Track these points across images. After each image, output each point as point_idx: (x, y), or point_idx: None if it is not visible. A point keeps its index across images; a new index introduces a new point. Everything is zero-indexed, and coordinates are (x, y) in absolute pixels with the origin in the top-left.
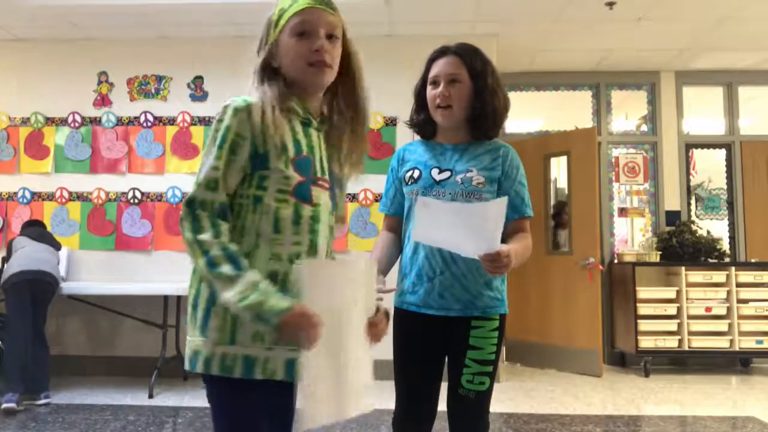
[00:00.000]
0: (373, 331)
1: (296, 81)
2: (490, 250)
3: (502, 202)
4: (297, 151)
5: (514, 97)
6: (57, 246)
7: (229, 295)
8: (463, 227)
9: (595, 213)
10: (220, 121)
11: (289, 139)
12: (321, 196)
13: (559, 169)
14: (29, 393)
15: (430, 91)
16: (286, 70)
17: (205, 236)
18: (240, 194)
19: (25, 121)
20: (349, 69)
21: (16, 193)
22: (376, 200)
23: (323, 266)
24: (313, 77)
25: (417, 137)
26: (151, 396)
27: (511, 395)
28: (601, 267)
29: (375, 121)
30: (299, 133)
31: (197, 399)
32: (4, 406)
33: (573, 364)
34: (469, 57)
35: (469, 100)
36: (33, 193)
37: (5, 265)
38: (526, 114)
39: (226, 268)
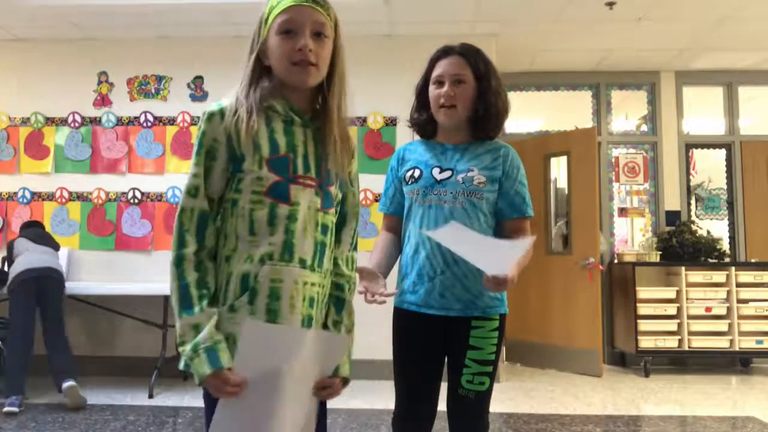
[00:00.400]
0: (323, 393)
1: (283, 80)
2: (499, 273)
3: (529, 242)
4: (272, 151)
5: (514, 97)
6: (56, 247)
7: (176, 327)
8: (481, 247)
9: (595, 213)
10: (199, 128)
11: (265, 139)
12: (301, 194)
13: (559, 169)
14: (56, 380)
15: (434, 91)
16: (274, 69)
17: (172, 258)
18: (224, 198)
19: (25, 121)
20: (335, 67)
21: (16, 193)
22: (376, 200)
23: (264, 329)
24: (297, 77)
25: (417, 137)
26: (151, 396)
27: (511, 395)
28: (600, 267)
29: (375, 121)
30: (278, 132)
31: (197, 399)
32: (6, 409)
33: (573, 364)
34: (474, 58)
35: (472, 100)
36: (33, 193)
37: (10, 267)
38: (526, 114)
39: (174, 299)
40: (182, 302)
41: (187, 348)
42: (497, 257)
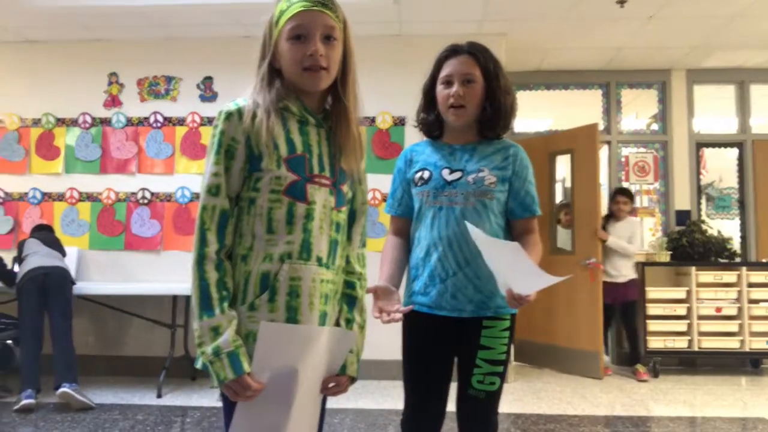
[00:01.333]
0: (330, 389)
1: (294, 84)
2: (523, 293)
3: (564, 279)
4: (290, 150)
5: (523, 96)
6: (64, 254)
7: (194, 327)
8: (517, 267)
9: (597, 211)
10: (216, 127)
11: (282, 139)
12: (317, 193)
13: (567, 168)
14: (54, 380)
15: (443, 91)
16: (285, 73)
17: (194, 256)
18: (240, 197)
19: (36, 122)
20: (346, 68)
21: (26, 194)
22: (385, 200)
23: (280, 330)
24: (308, 81)
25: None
26: (159, 395)
27: (518, 396)
28: (601, 267)
29: (383, 121)
30: (294, 132)
31: (205, 398)
32: (24, 402)
33: (575, 366)
34: (482, 57)
35: (481, 100)
36: (43, 194)
37: (19, 267)
38: (536, 113)
39: (195, 299)
40: (202, 303)
41: (208, 350)
42: (526, 278)
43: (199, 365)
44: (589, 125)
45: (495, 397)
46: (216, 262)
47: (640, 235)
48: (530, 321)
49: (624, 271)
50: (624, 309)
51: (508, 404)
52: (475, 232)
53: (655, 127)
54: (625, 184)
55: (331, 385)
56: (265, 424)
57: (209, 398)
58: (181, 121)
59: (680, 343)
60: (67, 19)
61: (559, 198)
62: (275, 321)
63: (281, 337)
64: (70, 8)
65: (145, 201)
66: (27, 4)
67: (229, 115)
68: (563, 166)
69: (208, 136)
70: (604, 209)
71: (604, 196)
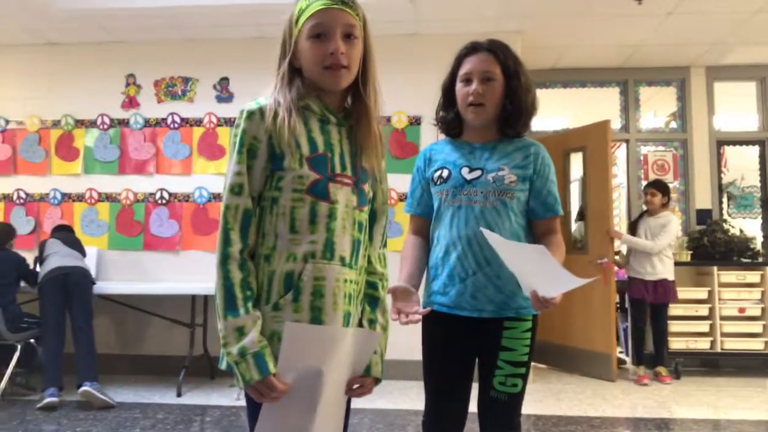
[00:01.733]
0: (355, 391)
1: (314, 83)
2: (548, 295)
3: (591, 280)
4: (312, 149)
5: (539, 94)
6: (84, 254)
7: (219, 327)
8: (542, 269)
9: (609, 209)
10: (237, 126)
11: (304, 138)
12: (339, 192)
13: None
14: (77, 379)
15: (462, 89)
16: (306, 72)
17: (218, 256)
18: (262, 196)
19: (55, 124)
20: (367, 66)
21: (47, 195)
22: (401, 200)
23: (305, 330)
24: (329, 80)
25: (442, 137)
26: (179, 394)
27: (538, 397)
28: (613, 266)
29: (399, 121)
30: (315, 131)
31: (224, 397)
32: (47, 400)
33: (588, 367)
34: (502, 54)
35: (501, 98)
36: (63, 194)
37: (40, 267)
38: (553, 112)
39: (219, 299)
40: (227, 303)
41: (233, 351)
42: (551, 280)
43: (223, 366)
44: (600, 122)
45: (517, 399)
46: (240, 262)
47: (670, 232)
48: (548, 322)
49: (650, 269)
50: (653, 310)
51: (528, 405)
52: (492, 238)
53: (674, 125)
54: (644, 183)
55: (355, 386)
56: (291, 426)
57: (228, 397)
58: (198, 122)
59: (702, 344)
60: (85, 22)
61: (574, 196)
62: (300, 321)
63: (306, 338)
64: (88, 11)
65: (164, 201)
66: (46, 7)
67: (250, 114)
68: (579, 164)
69: (225, 137)
70: (622, 208)
71: (623, 194)
